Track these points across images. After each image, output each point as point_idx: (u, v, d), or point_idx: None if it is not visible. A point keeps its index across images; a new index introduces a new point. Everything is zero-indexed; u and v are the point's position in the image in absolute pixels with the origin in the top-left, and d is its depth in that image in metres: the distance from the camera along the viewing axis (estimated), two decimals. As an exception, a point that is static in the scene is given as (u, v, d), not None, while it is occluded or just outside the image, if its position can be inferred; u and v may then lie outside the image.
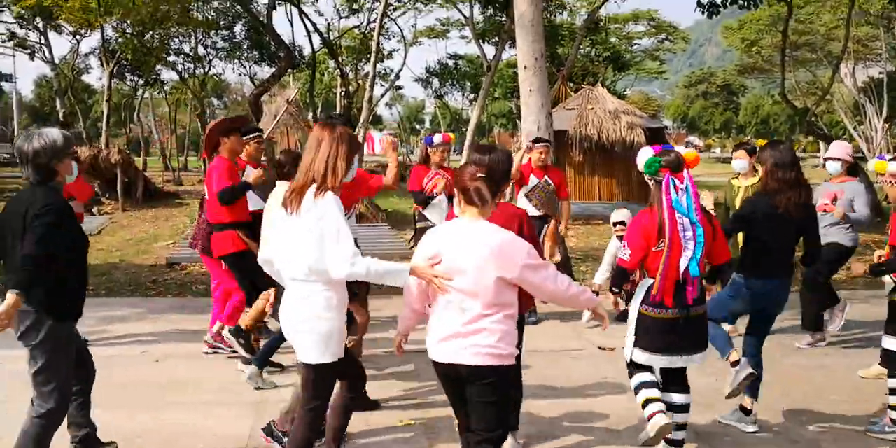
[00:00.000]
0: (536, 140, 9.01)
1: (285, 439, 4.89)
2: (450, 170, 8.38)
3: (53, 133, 4.35)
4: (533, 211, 8.52)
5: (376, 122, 69.72)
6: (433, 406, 5.93)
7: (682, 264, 4.57)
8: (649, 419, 4.59)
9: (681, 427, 4.84)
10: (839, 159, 7.58)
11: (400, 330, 4.29)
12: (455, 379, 3.91)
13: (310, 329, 4.02)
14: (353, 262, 3.85)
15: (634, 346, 4.78)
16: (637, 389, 4.76)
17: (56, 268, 4.18)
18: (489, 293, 3.78)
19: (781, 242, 5.38)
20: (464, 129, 38.13)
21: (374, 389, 5.89)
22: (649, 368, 4.82)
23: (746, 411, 5.52)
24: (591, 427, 5.56)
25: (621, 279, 5.02)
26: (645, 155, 4.77)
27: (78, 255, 4.43)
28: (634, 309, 4.78)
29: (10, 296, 4.01)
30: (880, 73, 37.72)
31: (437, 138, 8.30)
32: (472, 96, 48.75)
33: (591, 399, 6.18)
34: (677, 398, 4.85)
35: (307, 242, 3.95)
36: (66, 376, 4.37)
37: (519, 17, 10.18)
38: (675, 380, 4.88)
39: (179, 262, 12.45)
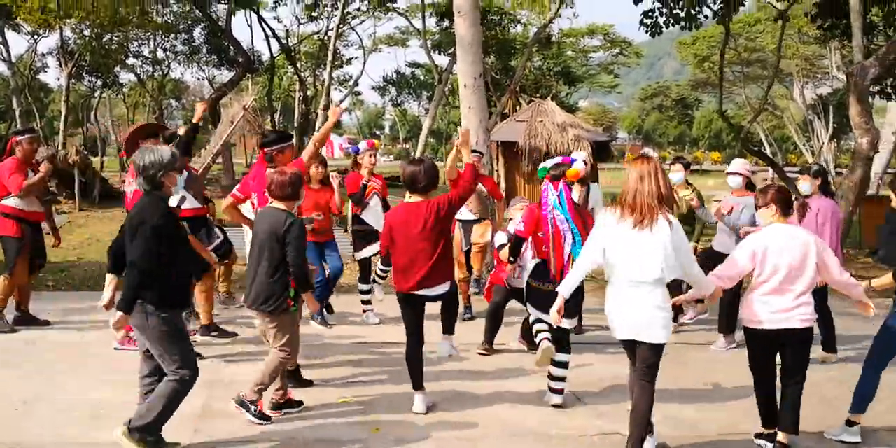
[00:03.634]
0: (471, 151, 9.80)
1: (253, 408, 5.79)
2: (380, 176, 9.29)
3: (164, 150, 5.14)
4: (470, 216, 9.42)
5: (336, 126, 70.20)
6: (370, 387, 6.71)
7: (567, 249, 5.98)
8: (539, 342, 6.20)
9: (560, 379, 6.34)
10: (739, 174, 8.43)
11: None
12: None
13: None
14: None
15: (530, 304, 6.42)
16: (533, 326, 6.39)
17: (162, 265, 4.98)
18: None
19: None
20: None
21: (316, 374, 6.68)
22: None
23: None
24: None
25: (518, 247, 6.55)
26: (544, 164, 6.31)
27: (179, 253, 5.20)
28: (524, 281, 6.47)
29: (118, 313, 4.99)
30: (829, 93, 39.05)
31: (363, 145, 9.22)
32: (428, 105, 49.52)
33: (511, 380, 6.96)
34: (559, 356, 6.26)
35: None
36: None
37: (459, 39, 10.98)
38: (558, 341, 6.23)
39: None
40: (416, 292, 6.01)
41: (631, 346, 5.31)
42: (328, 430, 5.75)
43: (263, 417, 5.80)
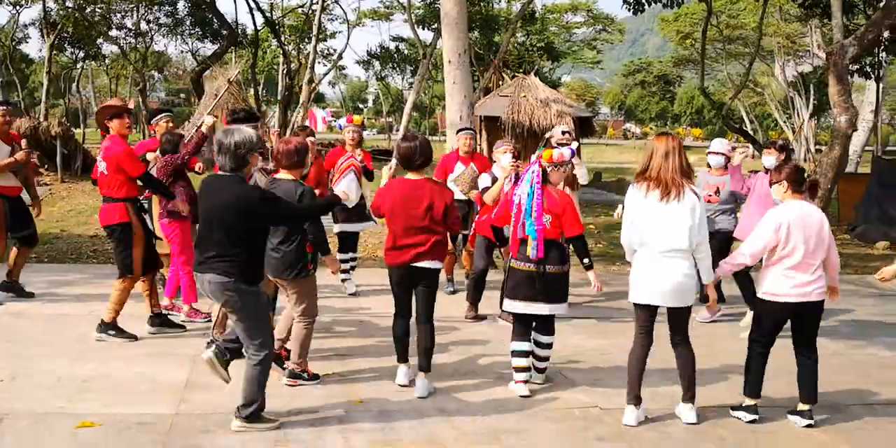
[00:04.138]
0: (460, 130, 9.84)
1: (306, 376, 6.21)
2: (366, 152, 9.41)
3: (249, 131, 5.28)
4: (459, 195, 9.34)
5: (319, 100, 69.97)
6: (355, 360, 6.84)
7: (528, 230, 6.00)
8: (516, 383, 6.20)
9: (544, 359, 6.41)
10: (721, 154, 8.59)
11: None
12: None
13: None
14: None
15: (504, 297, 6.30)
16: (512, 354, 6.24)
17: (256, 242, 5.25)
18: None
19: None
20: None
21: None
22: (527, 328, 6.24)
23: None
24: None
25: (501, 236, 6.65)
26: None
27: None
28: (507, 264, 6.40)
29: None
30: (809, 71, 39.17)
31: (343, 122, 9.34)
32: (412, 80, 49.42)
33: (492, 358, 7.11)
34: (543, 339, 6.34)
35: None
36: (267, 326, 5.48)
37: (444, 15, 11.03)
38: (542, 324, 6.31)
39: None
40: (409, 264, 6.02)
41: (650, 313, 5.67)
42: (308, 401, 5.87)
43: (314, 378, 6.28)
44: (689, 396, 5.72)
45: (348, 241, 9.64)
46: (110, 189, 7.24)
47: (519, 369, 6.19)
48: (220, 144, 5.17)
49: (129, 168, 7.16)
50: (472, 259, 8.91)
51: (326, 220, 10.07)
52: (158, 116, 8.75)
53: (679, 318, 5.70)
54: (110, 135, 7.26)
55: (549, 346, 6.39)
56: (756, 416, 5.75)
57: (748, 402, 5.82)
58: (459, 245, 9.79)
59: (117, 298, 7.18)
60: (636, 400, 5.67)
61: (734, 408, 5.90)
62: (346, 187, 8.96)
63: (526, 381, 6.18)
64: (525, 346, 6.22)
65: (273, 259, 5.93)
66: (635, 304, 5.70)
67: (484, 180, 8.44)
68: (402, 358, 6.31)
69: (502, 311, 7.09)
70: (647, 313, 5.68)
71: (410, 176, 6.13)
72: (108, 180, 7.23)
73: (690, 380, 5.70)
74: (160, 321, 7.58)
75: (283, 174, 6.05)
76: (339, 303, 8.97)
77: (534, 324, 6.31)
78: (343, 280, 9.46)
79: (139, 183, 7.37)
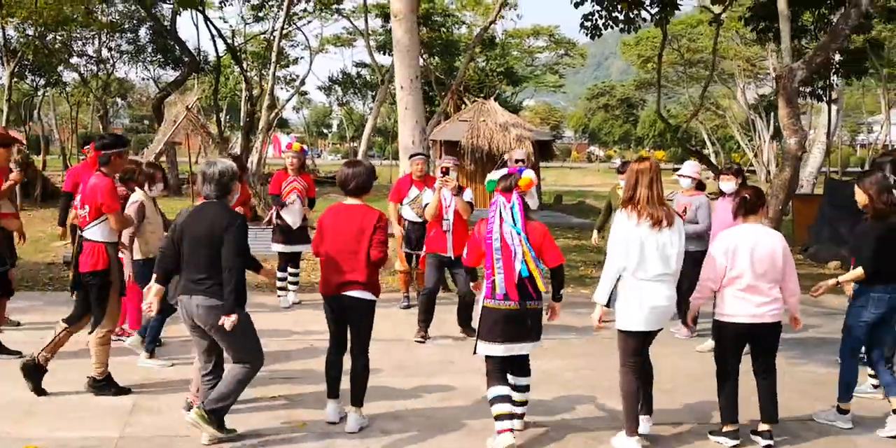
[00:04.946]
0: (413, 155, 10.03)
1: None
2: (307, 175, 9.76)
3: (229, 162, 5.64)
4: (415, 218, 9.55)
5: (283, 125, 69.85)
6: (299, 384, 6.92)
7: (517, 266, 5.53)
8: (500, 433, 5.47)
9: (522, 404, 5.97)
10: (689, 177, 9.06)
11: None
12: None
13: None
14: None
15: (478, 339, 5.70)
16: (492, 402, 5.59)
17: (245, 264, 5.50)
18: None
19: None
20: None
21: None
22: (504, 371, 5.74)
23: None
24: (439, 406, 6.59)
25: (473, 274, 6.24)
26: (491, 176, 5.90)
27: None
28: (479, 304, 5.76)
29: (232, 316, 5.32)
30: (770, 93, 39.79)
31: (284, 148, 9.86)
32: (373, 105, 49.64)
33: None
34: (518, 381, 5.91)
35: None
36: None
37: (396, 42, 11.24)
38: (518, 366, 5.89)
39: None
40: (340, 294, 5.83)
41: (642, 340, 5.71)
42: (252, 425, 5.93)
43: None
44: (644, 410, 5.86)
45: (289, 262, 10.10)
46: None
47: (501, 416, 5.51)
48: (204, 174, 5.45)
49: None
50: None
51: (265, 243, 10.51)
52: None
53: (651, 340, 5.81)
54: None
55: (528, 388, 6.00)
56: (737, 441, 5.82)
57: (727, 428, 5.88)
58: (415, 265, 9.97)
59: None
60: (636, 430, 5.67)
61: (713, 432, 5.98)
62: (290, 215, 9.52)
63: (511, 429, 5.53)
64: (505, 390, 5.65)
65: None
66: (626, 333, 5.64)
67: (427, 197, 8.68)
68: (332, 393, 6.08)
69: (475, 353, 5.85)
70: (639, 340, 5.68)
71: (348, 201, 6.00)
72: None
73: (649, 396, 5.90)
74: None
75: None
76: (289, 325, 9.08)
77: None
78: (279, 296, 9.99)
79: None
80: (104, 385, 6.54)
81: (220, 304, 5.29)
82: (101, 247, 6.51)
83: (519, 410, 5.90)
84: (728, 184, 8.47)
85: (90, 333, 6.57)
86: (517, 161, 9.33)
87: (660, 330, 5.76)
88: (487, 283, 5.65)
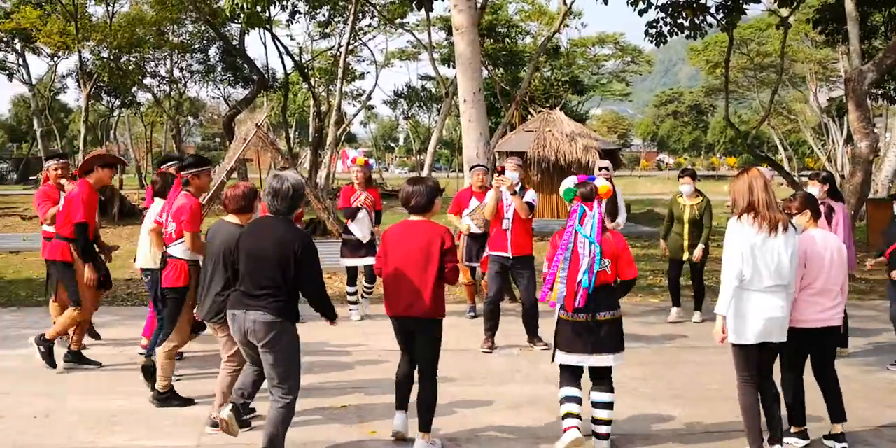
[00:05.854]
0: (474, 166, 10.14)
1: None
2: (374, 189, 9.84)
3: (297, 176, 5.54)
4: (475, 229, 9.69)
5: (350, 140, 70.74)
6: (367, 394, 7.02)
7: (580, 277, 5.49)
8: (565, 431, 5.50)
9: (606, 423, 5.69)
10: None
11: None
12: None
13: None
14: None
15: (556, 348, 5.76)
16: (561, 402, 5.64)
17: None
18: None
19: None
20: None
21: (315, 379, 7.02)
22: (576, 375, 5.73)
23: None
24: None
25: None
26: (566, 184, 5.84)
27: None
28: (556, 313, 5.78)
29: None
30: (838, 97, 39.01)
31: (349, 163, 9.97)
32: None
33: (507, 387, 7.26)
34: (599, 397, 5.69)
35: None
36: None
37: (458, 56, 11.35)
38: (598, 379, 5.75)
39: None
40: (406, 316, 5.72)
41: (757, 353, 5.48)
42: (321, 434, 6.05)
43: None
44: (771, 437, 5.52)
45: (354, 273, 10.21)
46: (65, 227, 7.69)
47: (570, 415, 5.57)
48: (275, 190, 5.33)
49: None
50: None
51: (334, 257, 10.66)
52: (48, 163, 8.76)
53: (772, 355, 5.61)
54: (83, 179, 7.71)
55: (611, 406, 5.73)
56: (808, 441, 5.87)
57: (794, 429, 5.91)
58: (479, 276, 10.06)
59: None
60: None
61: (786, 434, 5.87)
62: (359, 228, 9.60)
63: (577, 427, 5.50)
64: (575, 391, 5.67)
65: (214, 302, 6.01)
66: (740, 346, 5.49)
67: (466, 220, 8.84)
68: (400, 404, 5.95)
69: (553, 361, 5.90)
70: (754, 353, 5.48)
71: (412, 218, 5.85)
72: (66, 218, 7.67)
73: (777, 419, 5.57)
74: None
75: (230, 217, 6.08)
76: (359, 338, 9.18)
77: (584, 375, 5.83)
78: (350, 310, 10.02)
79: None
80: (167, 397, 6.70)
81: (276, 321, 5.20)
82: (184, 264, 6.70)
83: (602, 430, 5.69)
84: (813, 189, 8.22)
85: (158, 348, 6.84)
86: (601, 169, 9.43)
87: (781, 343, 5.53)
88: (544, 289, 5.65)
